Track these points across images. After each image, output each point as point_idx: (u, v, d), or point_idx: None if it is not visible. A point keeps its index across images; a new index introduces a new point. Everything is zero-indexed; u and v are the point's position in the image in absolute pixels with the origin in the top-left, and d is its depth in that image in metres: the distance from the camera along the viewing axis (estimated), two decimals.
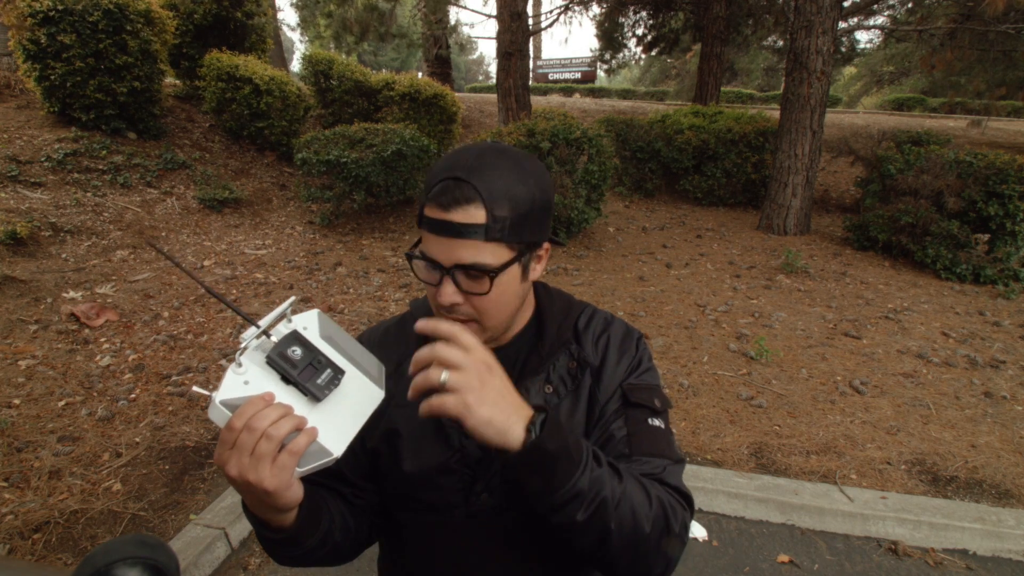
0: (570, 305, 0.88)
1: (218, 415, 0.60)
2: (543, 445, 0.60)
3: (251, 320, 0.64)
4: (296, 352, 0.63)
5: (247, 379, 0.61)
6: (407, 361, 0.84)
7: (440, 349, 0.61)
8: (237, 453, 0.58)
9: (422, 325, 0.65)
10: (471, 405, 0.59)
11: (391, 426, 0.80)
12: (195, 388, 0.63)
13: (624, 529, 0.65)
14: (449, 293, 0.70)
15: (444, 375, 0.60)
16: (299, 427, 0.60)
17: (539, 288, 0.89)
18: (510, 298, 0.75)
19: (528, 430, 0.61)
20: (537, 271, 0.79)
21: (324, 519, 0.74)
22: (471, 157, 0.69)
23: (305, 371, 0.63)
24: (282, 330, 0.66)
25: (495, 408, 0.60)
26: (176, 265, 0.68)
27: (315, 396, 0.63)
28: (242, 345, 0.63)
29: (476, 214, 0.67)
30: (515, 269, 0.73)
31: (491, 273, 0.69)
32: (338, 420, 0.65)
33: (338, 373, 0.65)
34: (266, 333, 0.64)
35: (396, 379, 0.80)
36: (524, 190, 0.70)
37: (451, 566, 0.81)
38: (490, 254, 0.69)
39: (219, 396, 0.60)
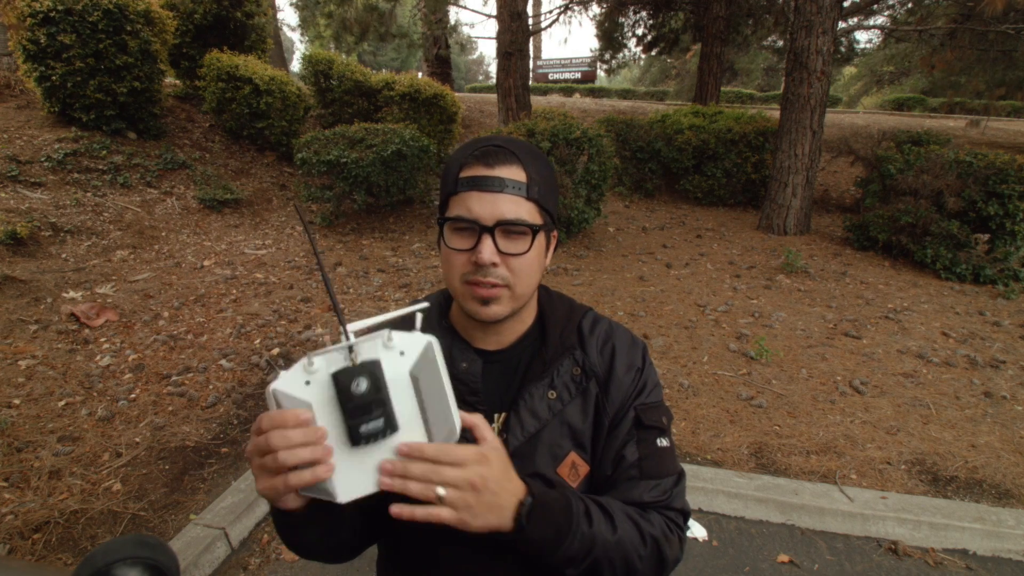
0: (572, 308, 0.89)
1: (269, 399, 0.59)
2: (529, 535, 0.67)
3: (345, 330, 0.60)
4: (361, 386, 0.57)
5: (310, 380, 0.58)
6: None
7: (439, 471, 0.61)
8: (254, 446, 0.60)
9: (403, 454, 0.61)
10: (467, 520, 0.63)
11: None
12: (269, 359, 0.61)
13: (617, 572, 0.73)
14: (489, 250, 0.72)
15: (441, 491, 0.61)
16: (316, 461, 0.57)
17: (541, 291, 0.89)
18: (537, 268, 0.78)
19: (516, 519, 0.66)
20: (547, 259, 0.82)
21: (330, 517, 0.74)
22: (500, 138, 0.77)
23: (358, 409, 0.57)
24: (375, 347, 0.60)
25: (488, 515, 0.65)
26: (312, 247, 0.66)
27: (351, 439, 0.58)
28: (327, 345, 0.60)
29: (518, 173, 0.74)
30: (542, 239, 0.78)
31: (534, 228, 0.74)
32: (362, 470, 0.60)
33: (389, 428, 0.59)
34: (351, 348, 0.59)
35: None
36: (546, 168, 0.79)
37: (449, 569, 0.81)
38: (527, 213, 0.74)
39: (275, 384, 0.58)
